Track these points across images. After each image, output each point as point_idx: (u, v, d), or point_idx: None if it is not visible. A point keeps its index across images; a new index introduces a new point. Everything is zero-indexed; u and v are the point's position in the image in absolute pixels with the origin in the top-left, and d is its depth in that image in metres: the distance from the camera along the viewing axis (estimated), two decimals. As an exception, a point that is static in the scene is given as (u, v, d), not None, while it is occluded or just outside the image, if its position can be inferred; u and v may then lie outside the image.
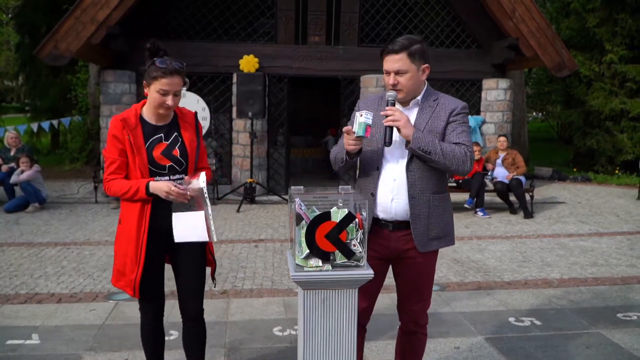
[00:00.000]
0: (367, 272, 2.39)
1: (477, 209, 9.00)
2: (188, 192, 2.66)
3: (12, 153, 9.43)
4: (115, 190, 2.71)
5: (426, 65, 2.65)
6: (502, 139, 9.64)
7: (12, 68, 25.25)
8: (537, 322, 4.36)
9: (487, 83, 11.10)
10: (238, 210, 9.03)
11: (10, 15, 25.18)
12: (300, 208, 2.38)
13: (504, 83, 11.02)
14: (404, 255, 2.74)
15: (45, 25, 14.83)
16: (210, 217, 2.68)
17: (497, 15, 10.32)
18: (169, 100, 2.69)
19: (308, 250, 2.34)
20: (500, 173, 9.31)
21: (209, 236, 2.70)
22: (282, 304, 4.71)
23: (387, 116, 2.56)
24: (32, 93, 17.88)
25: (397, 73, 2.61)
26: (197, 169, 2.90)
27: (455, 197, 9.76)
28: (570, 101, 17.45)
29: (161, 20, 10.33)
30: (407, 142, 2.58)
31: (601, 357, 3.76)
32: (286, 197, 9.68)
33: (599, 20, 14.57)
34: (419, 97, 2.71)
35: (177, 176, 2.80)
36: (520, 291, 5.15)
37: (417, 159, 2.62)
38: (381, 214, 2.72)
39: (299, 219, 2.36)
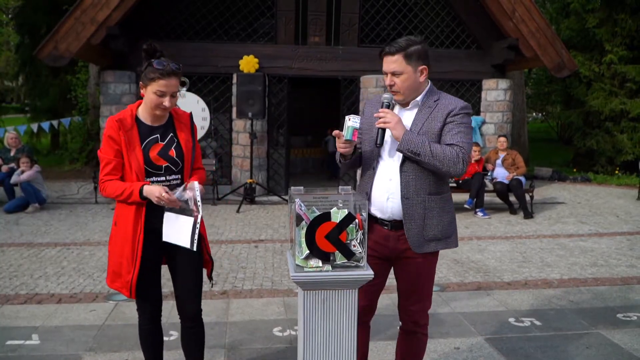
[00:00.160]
0: (367, 273, 2.40)
1: (477, 210, 9.00)
2: (178, 201, 2.66)
3: (12, 153, 9.43)
4: (110, 191, 2.71)
5: (424, 66, 2.65)
6: (502, 139, 9.64)
7: (12, 68, 25.24)
8: (537, 323, 4.36)
9: (487, 83, 11.10)
10: (238, 211, 9.03)
11: (10, 16, 25.19)
12: (300, 208, 2.38)
13: (503, 83, 11.03)
14: (402, 255, 2.74)
15: (45, 26, 14.83)
16: (198, 227, 2.67)
17: (497, 16, 10.33)
18: (166, 102, 2.69)
19: (308, 251, 2.34)
20: (500, 173, 9.31)
21: (191, 244, 2.68)
22: (282, 305, 4.71)
23: (380, 118, 2.60)
24: (32, 93, 17.88)
25: (393, 74, 2.64)
26: (193, 169, 2.91)
27: (455, 197, 9.68)
28: (570, 101, 17.46)
29: (161, 21, 10.33)
30: None
31: (601, 358, 3.76)
32: (286, 197, 9.68)
33: (598, 20, 14.57)
34: (418, 98, 2.71)
35: (174, 177, 2.81)
36: (520, 291, 5.15)
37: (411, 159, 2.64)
38: (377, 213, 2.74)
39: (299, 219, 2.36)
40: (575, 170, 15.02)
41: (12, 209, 8.62)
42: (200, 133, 9.72)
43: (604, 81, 14.65)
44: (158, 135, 2.79)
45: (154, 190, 2.63)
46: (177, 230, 2.70)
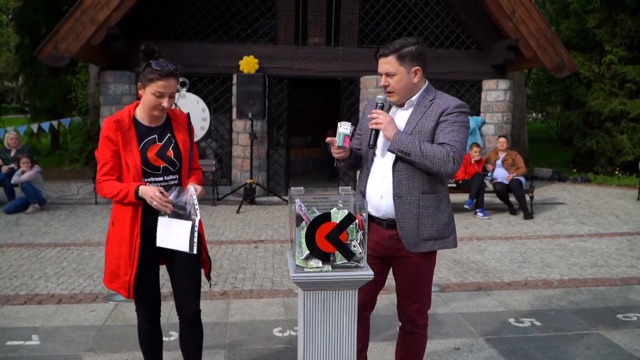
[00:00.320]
0: (367, 273, 2.40)
1: (477, 210, 9.00)
2: (171, 206, 2.65)
3: (12, 154, 9.43)
4: (107, 191, 2.71)
5: (417, 67, 2.67)
6: (502, 139, 9.64)
7: (12, 69, 25.24)
8: (537, 323, 4.36)
9: (487, 84, 11.10)
10: (238, 211, 9.03)
11: (10, 16, 25.21)
12: (301, 209, 2.38)
13: (503, 84, 11.03)
14: (398, 255, 2.76)
15: (45, 26, 14.83)
16: (196, 230, 2.68)
17: (496, 16, 10.32)
18: (165, 103, 2.70)
19: (308, 251, 2.35)
20: (500, 174, 9.31)
21: (190, 248, 2.68)
22: (282, 305, 4.71)
23: (373, 119, 2.66)
24: (32, 94, 17.86)
25: (387, 75, 2.67)
26: (190, 170, 2.92)
27: (455, 197, 9.76)
28: (570, 102, 17.46)
29: (161, 21, 10.34)
30: None
31: (601, 358, 3.76)
32: (286, 198, 9.68)
33: (598, 21, 14.58)
34: (414, 98, 2.74)
35: (171, 177, 2.82)
36: (520, 292, 5.15)
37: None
38: (373, 211, 2.77)
39: (299, 219, 2.36)
40: (575, 170, 15.02)
41: (12, 209, 8.62)
42: (200, 133, 9.72)
43: (604, 82, 14.65)
44: (156, 135, 2.80)
45: (148, 191, 2.63)
46: (174, 235, 2.69)
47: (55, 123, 14.17)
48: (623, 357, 3.78)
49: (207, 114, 9.95)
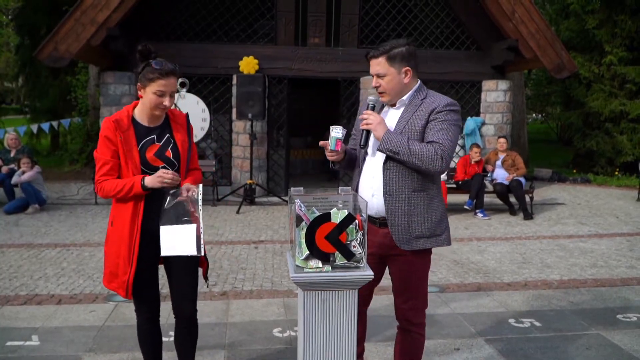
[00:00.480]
0: (366, 274, 2.40)
1: (477, 210, 9.00)
2: (179, 178, 2.69)
3: (12, 154, 9.44)
4: (109, 189, 2.70)
5: (407, 68, 2.71)
6: (502, 140, 9.64)
7: (12, 69, 25.24)
8: (537, 324, 4.36)
9: (487, 84, 11.10)
10: (238, 212, 9.03)
11: (10, 17, 25.20)
12: (300, 209, 2.38)
13: (503, 84, 11.03)
14: (391, 252, 2.78)
15: (45, 27, 14.83)
16: (202, 231, 2.68)
17: (496, 17, 10.33)
18: (166, 101, 2.71)
19: (308, 252, 2.35)
20: (500, 174, 9.31)
21: (198, 250, 2.69)
22: (282, 305, 4.71)
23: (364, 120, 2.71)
24: (31, 94, 17.86)
25: (378, 76, 2.73)
26: (189, 170, 2.92)
27: (455, 198, 9.78)
28: (570, 102, 17.46)
29: (161, 22, 10.34)
30: None
31: (601, 359, 3.76)
32: (286, 198, 9.68)
33: (598, 21, 14.58)
34: (405, 97, 2.78)
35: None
36: (520, 292, 5.15)
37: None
38: None
39: (299, 220, 2.37)
40: (575, 171, 15.02)
41: (12, 210, 8.62)
42: (200, 134, 9.72)
43: (604, 82, 14.65)
44: (154, 136, 2.80)
45: (155, 177, 2.65)
46: (178, 241, 2.69)
47: (55, 124, 14.18)
48: (623, 357, 3.78)
49: (207, 114, 9.95)
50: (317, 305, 2.41)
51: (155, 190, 2.68)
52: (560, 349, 3.90)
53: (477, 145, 9.49)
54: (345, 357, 2.46)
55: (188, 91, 9.89)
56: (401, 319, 2.92)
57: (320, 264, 2.36)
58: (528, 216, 8.79)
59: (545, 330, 4.23)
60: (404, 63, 2.70)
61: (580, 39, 15.76)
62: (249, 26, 10.62)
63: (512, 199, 9.20)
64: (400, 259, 2.77)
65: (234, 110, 10.07)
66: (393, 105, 2.81)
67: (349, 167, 2.94)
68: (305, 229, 2.33)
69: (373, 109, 2.79)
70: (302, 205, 2.40)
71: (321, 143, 2.77)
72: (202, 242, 2.69)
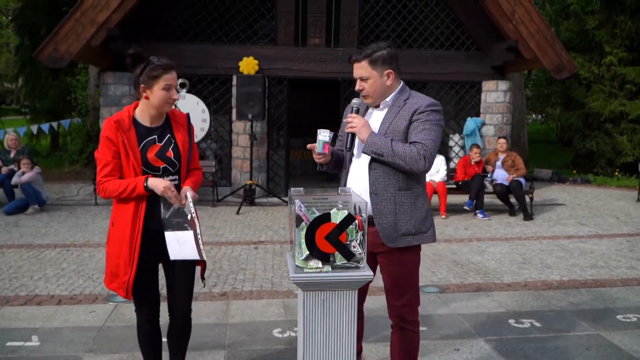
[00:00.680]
0: (366, 274, 2.40)
1: (477, 211, 9.00)
2: (183, 199, 2.71)
3: (12, 155, 9.44)
4: (111, 189, 2.71)
5: (389, 70, 2.79)
6: (502, 140, 9.64)
7: (12, 70, 25.25)
8: (537, 324, 4.36)
9: (487, 85, 11.11)
10: (238, 212, 9.03)
11: (10, 17, 25.22)
12: (300, 209, 2.38)
13: (503, 85, 11.03)
14: (380, 250, 2.82)
15: (45, 27, 14.84)
16: (200, 237, 2.70)
17: (496, 17, 10.33)
18: (175, 95, 2.77)
19: (308, 252, 2.35)
20: (500, 175, 9.31)
21: (199, 255, 2.73)
22: (282, 306, 4.71)
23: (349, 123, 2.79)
24: (31, 95, 17.87)
25: (361, 79, 2.81)
26: (189, 170, 2.93)
27: (455, 198, 9.78)
28: (570, 103, 17.46)
29: (161, 22, 10.34)
30: None
31: (601, 359, 3.76)
32: (286, 199, 9.68)
33: (598, 22, 14.58)
34: (388, 99, 2.85)
35: (171, 177, 2.83)
36: (520, 293, 5.15)
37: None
38: None
39: (298, 220, 2.37)
40: (575, 171, 15.02)
41: (12, 210, 8.61)
42: (200, 135, 9.72)
43: (604, 83, 14.65)
44: (155, 136, 2.81)
45: (159, 183, 2.67)
46: (181, 247, 2.73)
47: (55, 124, 14.18)
48: (623, 357, 3.78)
49: (206, 115, 9.95)
50: (317, 306, 2.41)
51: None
52: (560, 349, 3.90)
53: (477, 146, 9.49)
54: (345, 357, 2.46)
55: (188, 92, 9.90)
56: (395, 317, 2.94)
57: (320, 264, 2.37)
58: (528, 217, 8.79)
59: (545, 331, 4.23)
60: (385, 66, 2.78)
61: (580, 40, 15.76)
62: (249, 27, 10.62)
63: (512, 200, 9.20)
64: (389, 256, 2.82)
65: (234, 111, 10.07)
66: (377, 106, 2.89)
67: (336, 168, 3.02)
68: (305, 230, 2.33)
69: (357, 111, 2.87)
70: (302, 205, 2.40)
71: (309, 146, 2.86)
72: (201, 247, 2.72)
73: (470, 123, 10.94)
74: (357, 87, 2.84)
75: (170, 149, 2.82)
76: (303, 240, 2.34)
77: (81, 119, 15.05)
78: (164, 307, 3.02)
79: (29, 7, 16.04)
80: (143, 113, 2.80)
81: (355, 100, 2.91)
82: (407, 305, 2.89)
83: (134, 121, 2.78)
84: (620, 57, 14.24)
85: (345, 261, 2.38)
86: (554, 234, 7.81)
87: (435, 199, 9.10)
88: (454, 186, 9.45)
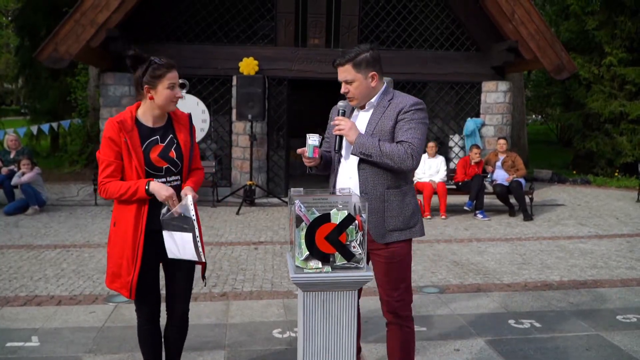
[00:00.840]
0: (366, 274, 2.40)
1: (477, 211, 9.00)
2: (179, 210, 2.72)
3: (12, 155, 9.44)
4: (113, 191, 2.71)
5: (373, 72, 2.85)
6: (502, 141, 9.64)
7: (12, 70, 25.26)
8: (537, 324, 4.36)
9: (487, 85, 11.11)
10: (238, 213, 9.03)
11: (10, 18, 25.24)
12: (300, 210, 2.38)
13: (503, 85, 11.04)
14: (371, 247, 2.83)
15: (45, 28, 14.82)
16: (198, 239, 2.71)
17: (496, 18, 10.34)
18: (179, 93, 2.79)
19: (308, 252, 2.35)
20: (500, 175, 9.31)
21: (198, 257, 2.73)
22: (282, 306, 4.71)
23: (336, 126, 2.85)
24: (31, 96, 17.87)
25: (346, 82, 2.87)
26: (191, 170, 2.94)
27: (455, 199, 9.78)
28: (570, 104, 17.46)
29: (161, 23, 10.34)
30: None
31: (601, 359, 3.76)
32: (286, 199, 9.68)
33: (598, 22, 14.58)
34: (373, 100, 2.91)
35: (174, 178, 2.84)
36: (520, 293, 5.15)
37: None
38: None
39: (298, 220, 2.37)
40: (574, 172, 15.02)
41: (12, 211, 8.61)
42: (200, 135, 9.73)
43: (604, 83, 14.65)
44: (158, 136, 2.81)
45: (161, 190, 2.68)
46: (179, 247, 2.74)
47: (55, 125, 14.18)
48: (623, 358, 3.78)
49: (206, 115, 9.96)
50: (317, 306, 2.41)
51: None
52: (560, 349, 3.90)
53: (477, 146, 9.49)
54: (345, 357, 2.46)
55: (188, 92, 9.89)
56: (388, 313, 2.98)
57: (320, 265, 2.37)
58: (528, 217, 8.79)
59: (545, 331, 4.23)
60: (369, 68, 2.83)
61: (580, 40, 15.76)
62: (249, 27, 10.63)
63: (512, 200, 9.20)
64: (380, 253, 2.86)
65: (234, 112, 10.07)
66: (362, 107, 2.95)
67: (325, 170, 3.08)
68: (305, 230, 2.33)
69: (344, 114, 2.93)
70: (302, 206, 2.40)
71: (299, 151, 2.91)
72: (200, 248, 2.72)
73: (470, 124, 10.94)
74: (342, 90, 2.89)
75: (172, 149, 2.83)
76: (303, 241, 2.34)
77: (81, 119, 15.05)
78: (163, 308, 3.02)
79: (29, 8, 16.03)
80: (146, 113, 2.81)
81: (341, 103, 2.98)
82: (400, 300, 2.93)
83: (137, 122, 2.79)
84: (620, 58, 14.24)
85: (345, 261, 2.38)
86: (554, 234, 7.82)
87: (435, 200, 9.10)
88: (454, 187, 9.46)
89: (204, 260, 2.77)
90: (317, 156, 2.89)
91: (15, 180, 8.71)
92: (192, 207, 2.69)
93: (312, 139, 2.86)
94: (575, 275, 5.79)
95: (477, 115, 11.20)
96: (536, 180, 13.02)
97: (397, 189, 2.86)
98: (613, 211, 9.73)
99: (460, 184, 9.34)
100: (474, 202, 8.99)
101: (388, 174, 2.83)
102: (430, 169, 9.23)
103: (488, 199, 9.47)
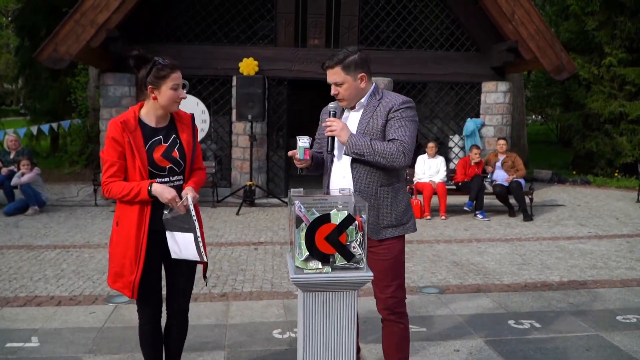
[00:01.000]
0: (366, 275, 2.40)
1: (477, 212, 9.00)
2: (184, 208, 2.73)
3: (11, 156, 9.44)
4: (116, 191, 2.73)
5: (363, 74, 2.90)
6: (502, 141, 9.64)
7: (12, 71, 25.27)
8: (537, 325, 4.36)
9: (487, 86, 11.11)
10: (237, 213, 9.03)
11: (10, 18, 25.24)
12: (300, 210, 2.38)
13: (503, 86, 11.04)
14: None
15: (45, 28, 14.83)
16: (200, 239, 2.72)
17: (496, 18, 10.34)
18: (182, 93, 2.81)
19: (308, 253, 2.35)
20: (500, 176, 9.31)
21: (200, 257, 2.75)
22: (282, 307, 4.71)
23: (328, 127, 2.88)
24: (31, 96, 17.87)
25: (336, 84, 2.90)
26: (193, 170, 2.95)
27: (455, 199, 9.78)
28: (570, 104, 17.46)
29: (161, 23, 10.35)
30: None
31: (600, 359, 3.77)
32: (286, 199, 9.68)
33: (598, 23, 14.58)
34: (363, 100, 2.96)
35: (177, 177, 2.85)
36: (520, 293, 5.15)
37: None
38: None
39: (298, 221, 2.37)
40: (574, 172, 15.02)
41: (12, 211, 8.61)
42: (200, 135, 9.72)
43: (604, 84, 14.66)
44: (161, 136, 2.83)
45: (163, 191, 2.69)
46: (180, 247, 2.76)
47: (55, 125, 14.18)
48: (622, 358, 3.78)
49: (206, 116, 9.96)
50: (317, 307, 2.41)
51: None
52: (560, 350, 3.90)
53: (477, 147, 9.49)
54: (345, 357, 2.46)
55: (188, 92, 9.89)
56: (382, 309, 3.01)
57: (320, 265, 2.37)
58: (528, 217, 8.79)
59: (545, 332, 4.23)
60: (358, 70, 2.88)
61: (580, 41, 15.76)
62: (248, 27, 10.63)
63: (512, 201, 9.20)
64: (374, 250, 2.88)
65: (234, 112, 10.07)
66: (352, 108, 2.99)
67: (316, 170, 3.12)
68: (305, 230, 2.34)
69: (335, 115, 2.97)
70: (301, 206, 2.40)
71: (290, 153, 2.94)
72: (201, 248, 2.73)
73: (470, 124, 10.94)
74: (332, 92, 2.93)
75: (175, 149, 2.85)
76: (303, 241, 2.34)
77: (81, 120, 15.05)
78: (164, 308, 3.03)
79: (29, 8, 16.04)
80: (149, 114, 2.82)
81: (331, 104, 3.01)
82: (394, 297, 2.96)
83: (140, 122, 2.80)
84: (620, 58, 14.24)
85: (345, 262, 2.38)
86: (554, 234, 7.82)
87: (435, 200, 9.10)
88: (454, 187, 9.46)
89: (205, 260, 2.78)
90: (308, 158, 2.92)
91: (15, 181, 8.71)
92: (192, 208, 2.70)
93: (303, 141, 2.89)
94: (575, 275, 5.79)
95: (477, 115, 11.20)
96: (536, 180, 13.02)
97: (390, 187, 2.91)
98: (613, 211, 9.74)
99: (460, 184, 9.34)
100: (474, 202, 9.00)
101: (381, 172, 2.87)
102: (430, 170, 9.24)
103: (488, 200, 9.47)
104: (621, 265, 6.19)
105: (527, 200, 9.11)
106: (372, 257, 2.91)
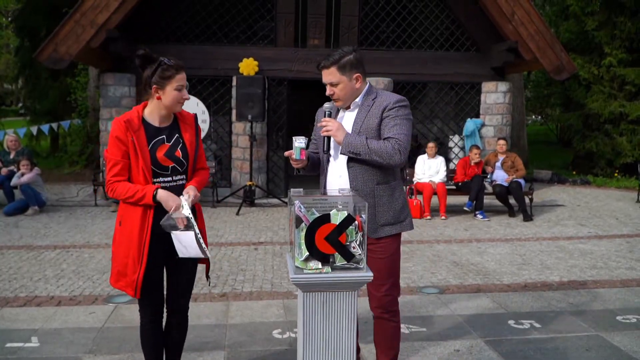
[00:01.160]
0: (366, 275, 2.41)
1: (477, 212, 9.00)
2: (184, 220, 2.75)
3: (11, 156, 9.44)
4: (120, 192, 2.73)
5: (358, 74, 2.92)
6: (502, 141, 9.64)
7: (12, 71, 25.26)
8: (537, 325, 4.36)
9: (487, 86, 11.11)
10: (237, 213, 9.03)
11: (10, 19, 25.23)
12: (300, 210, 2.39)
13: (503, 86, 11.04)
14: None
15: (45, 29, 14.83)
16: (200, 236, 2.74)
17: (496, 19, 10.34)
18: (186, 94, 2.83)
19: (308, 253, 2.35)
20: (500, 176, 9.31)
21: (203, 253, 2.77)
22: (282, 307, 4.71)
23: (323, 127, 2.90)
24: (31, 96, 17.87)
25: (331, 85, 2.94)
26: (195, 169, 2.96)
27: (455, 199, 9.78)
28: (570, 104, 17.46)
29: (161, 24, 10.35)
30: None
31: (601, 360, 3.77)
32: (286, 199, 9.68)
33: (598, 23, 14.58)
34: (357, 100, 2.99)
35: (179, 177, 2.87)
36: (520, 294, 5.15)
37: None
38: None
39: (298, 221, 2.37)
40: (574, 172, 15.02)
41: (12, 211, 8.61)
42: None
43: (603, 84, 14.66)
44: (164, 136, 2.84)
45: (169, 200, 2.71)
46: (184, 246, 2.78)
47: (54, 125, 14.18)
48: (622, 358, 3.78)
49: (206, 116, 9.97)
50: (317, 307, 2.42)
51: None
52: (560, 350, 3.90)
53: (477, 147, 9.49)
54: (345, 357, 2.46)
55: (188, 92, 9.89)
56: (376, 308, 3.02)
57: (320, 265, 2.37)
58: (528, 217, 8.79)
59: (544, 332, 4.23)
60: (353, 70, 2.91)
61: (580, 41, 15.76)
62: (248, 28, 10.63)
63: (512, 201, 9.20)
64: (371, 248, 2.88)
65: (234, 112, 10.08)
66: (347, 107, 3.02)
67: (313, 170, 3.14)
68: (305, 230, 2.34)
69: (330, 115, 2.98)
70: (301, 206, 2.40)
71: (286, 153, 2.96)
72: (203, 245, 2.75)
73: (469, 124, 10.95)
74: (327, 93, 2.96)
75: (178, 148, 2.86)
76: (303, 241, 2.34)
77: (81, 120, 15.05)
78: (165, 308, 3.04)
79: (28, 9, 16.04)
80: (153, 113, 2.83)
81: (326, 105, 3.05)
82: (388, 295, 2.98)
83: (143, 121, 2.81)
84: (620, 58, 14.24)
85: (345, 262, 2.38)
86: (554, 234, 7.82)
87: (435, 200, 9.10)
88: (454, 187, 9.46)
89: (208, 256, 2.80)
90: (304, 158, 2.94)
91: (14, 181, 8.71)
92: (187, 207, 2.71)
93: (299, 142, 2.91)
94: (575, 275, 5.79)
95: (477, 115, 11.20)
96: (536, 180, 13.02)
97: (386, 185, 2.94)
98: (613, 211, 9.74)
99: (460, 184, 9.34)
100: (474, 202, 9.00)
101: (377, 171, 2.90)
102: (430, 170, 9.24)
103: (488, 200, 9.47)
104: (621, 265, 6.19)
105: (527, 200, 9.11)
106: (368, 256, 2.90)
